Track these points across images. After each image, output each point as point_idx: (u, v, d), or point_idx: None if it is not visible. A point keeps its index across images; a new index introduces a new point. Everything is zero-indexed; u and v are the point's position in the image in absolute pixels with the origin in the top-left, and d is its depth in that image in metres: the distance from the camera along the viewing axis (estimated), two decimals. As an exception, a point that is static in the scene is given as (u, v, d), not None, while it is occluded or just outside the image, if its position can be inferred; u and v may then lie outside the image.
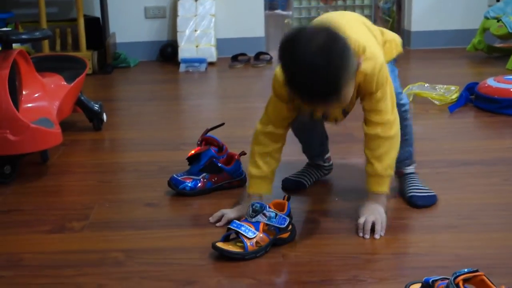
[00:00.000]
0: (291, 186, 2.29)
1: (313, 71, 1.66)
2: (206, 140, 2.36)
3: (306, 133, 2.31)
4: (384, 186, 1.98)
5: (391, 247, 1.87)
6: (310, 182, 2.33)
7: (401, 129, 2.00)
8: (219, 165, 2.28)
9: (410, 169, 2.23)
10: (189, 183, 2.25)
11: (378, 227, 1.91)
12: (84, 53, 4.42)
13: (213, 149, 2.31)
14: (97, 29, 4.61)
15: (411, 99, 3.45)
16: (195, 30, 4.76)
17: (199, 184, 2.25)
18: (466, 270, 1.53)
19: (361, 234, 1.91)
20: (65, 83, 2.86)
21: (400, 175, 2.22)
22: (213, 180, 2.27)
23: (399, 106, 2.02)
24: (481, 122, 3.15)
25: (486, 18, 4.68)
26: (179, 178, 2.26)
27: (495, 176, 2.36)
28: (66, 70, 2.96)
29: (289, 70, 1.74)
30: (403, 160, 2.16)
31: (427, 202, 2.12)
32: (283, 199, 1.93)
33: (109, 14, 4.69)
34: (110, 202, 2.22)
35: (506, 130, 3.05)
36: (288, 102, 1.98)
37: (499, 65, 4.40)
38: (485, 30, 4.71)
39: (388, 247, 1.87)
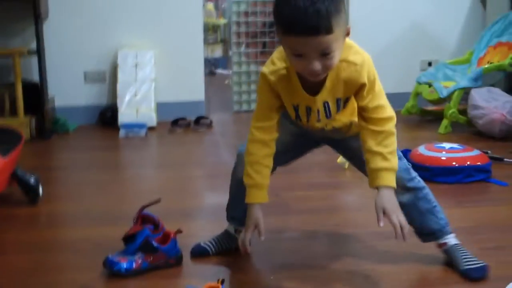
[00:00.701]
0: (195, 252, 2.37)
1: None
2: (142, 218, 2.36)
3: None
4: (394, 181, 1.96)
5: None
6: (214, 250, 2.38)
7: (426, 198, 2.12)
8: (155, 245, 2.28)
9: (454, 239, 2.24)
10: (124, 264, 2.23)
11: (402, 222, 1.92)
12: (22, 119, 4.39)
13: (148, 228, 2.31)
14: (36, 93, 4.58)
15: (346, 166, 3.53)
16: (135, 95, 4.79)
17: (135, 265, 2.24)
18: None
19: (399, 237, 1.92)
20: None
21: (445, 246, 2.22)
22: (148, 260, 2.27)
23: (414, 179, 2.11)
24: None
25: (419, 83, 4.85)
26: (114, 259, 2.25)
27: (429, 251, 2.41)
28: (0, 143, 2.93)
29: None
30: (442, 228, 2.20)
31: (483, 274, 2.14)
32: (217, 282, 1.94)
33: (48, 78, 4.68)
34: (44, 285, 2.19)
35: (439, 199, 3.11)
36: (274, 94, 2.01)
37: (432, 129, 4.56)
38: (417, 94, 4.88)
39: None
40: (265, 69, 2.01)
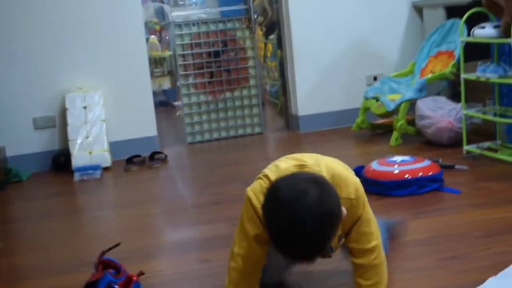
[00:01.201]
0: None
1: (305, 232, 1.64)
2: (103, 263, 2.36)
3: None
4: None
5: None
6: None
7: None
8: (118, 289, 2.28)
9: None
10: (89, 312, 2.23)
11: None
12: (-27, 173, 4.33)
13: (110, 273, 2.31)
14: (-15, 145, 4.53)
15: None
16: (87, 137, 4.76)
17: (100, 312, 2.24)
18: None
19: None
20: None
21: None
22: (113, 305, 2.27)
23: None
24: (370, 206, 3.29)
25: (366, 98, 4.94)
26: (79, 308, 2.24)
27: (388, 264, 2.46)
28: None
29: (276, 226, 1.68)
30: None
31: None
32: (184, 322, 1.95)
33: (-4, 128, 4.64)
34: None
35: (395, 212, 3.19)
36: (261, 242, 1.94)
37: (383, 143, 4.64)
38: (366, 109, 4.96)
39: None
40: (254, 198, 1.91)
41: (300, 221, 1.64)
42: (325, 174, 1.88)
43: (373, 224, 1.98)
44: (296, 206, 1.65)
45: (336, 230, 1.76)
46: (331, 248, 2.01)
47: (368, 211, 1.97)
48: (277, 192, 1.71)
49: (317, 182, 1.72)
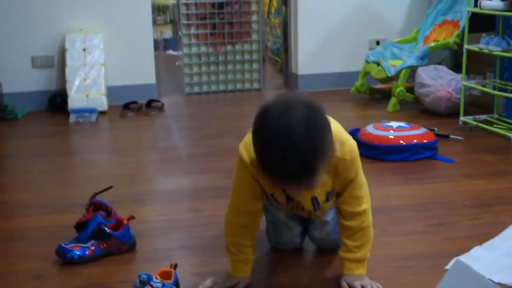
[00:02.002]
0: None
1: (291, 146, 1.61)
2: (94, 205, 2.37)
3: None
4: (363, 268, 2.04)
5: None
6: None
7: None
8: (108, 231, 2.29)
9: None
10: (77, 252, 2.25)
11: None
12: (-31, 107, 4.32)
13: (101, 215, 2.32)
14: (-18, 80, 4.51)
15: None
16: (85, 80, 4.74)
17: (88, 252, 2.25)
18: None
19: None
20: None
21: None
22: (102, 246, 2.28)
23: None
24: (363, 170, 3.30)
25: (367, 62, 4.92)
26: (67, 246, 2.26)
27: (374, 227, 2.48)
28: None
29: (264, 143, 1.67)
30: None
31: None
32: (170, 267, 1.97)
33: (-6, 64, 4.61)
34: (-4, 275, 2.19)
35: (387, 176, 3.22)
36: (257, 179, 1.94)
37: (381, 108, 4.64)
38: (366, 73, 4.95)
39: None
40: (245, 154, 1.91)
41: (286, 127, 1.62)
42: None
43: (364, 188, 2.00)
44: (284, 117, 1.63)
45: (325, 153, 1.68)
46: (317, 204, 2.03)
47: (361, 175, 1.98)
48: (266, 109, 1.68)
49: (307, 102, 1.69)
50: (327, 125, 1.71)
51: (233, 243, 2.03)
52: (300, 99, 1.70)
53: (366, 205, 2.00)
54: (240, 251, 2.02)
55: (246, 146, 1.90)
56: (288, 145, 1.62)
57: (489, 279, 1.52)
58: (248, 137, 1.86)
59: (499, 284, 1.65)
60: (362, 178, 1.99)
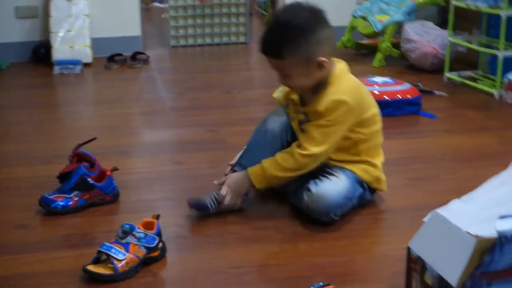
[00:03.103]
0: (194, 205, 2.22)
1: (270, 27, 2.12)
2: (77, 156, 2.37)
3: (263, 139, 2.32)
4: (256, 181, 2.17)
5: (254, 260, 1.97)
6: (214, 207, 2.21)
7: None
8: (91, 182, 2.30)
9: None
10: (60, 202, 2.26)
11: (226, 195, 2.18)
12: (-49, 57, 4.27)
13: (84, 166, 2.33)
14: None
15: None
16: (69, 31, 4.69)
17: (71, 203, 2.27)
18: (321, 283, 1.66)
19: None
20: None
21: None
22: (85, 197, 2.30)
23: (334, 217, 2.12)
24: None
25: (354, 17, 4.90)
26: (50, 197, 2.27)
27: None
28: None
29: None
30: None
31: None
32: (152, 217, 1.99)
33: (-23, 14, 4.54)
34: (-21, 226, 2.20)
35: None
36: None
37: (367, 63, 4.64)
38: (353, 28, 4.93)
39: (251, 260, 1.97)
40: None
41: (277, 16, 2.19)
42: (337, 69, 2.15)
43: (325, 138, 2.11)
44: (286, 10, 2.16)
45: (297, 46, 2.03)
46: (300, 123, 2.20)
47: (330, 124, 2.09)
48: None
49: (314, 9, 2.11)
50: (314, 30, 2.05)
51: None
52: (309, 6, 2.11)
53: (314, 149, 2.11)
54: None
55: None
56: (269, 25, 2.16)
57: (466, 231, 1.54)
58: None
59: (476, 236, 1.68)
60: (330, 127, 2.10)
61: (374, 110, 2.23)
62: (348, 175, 2.17)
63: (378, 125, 2.25)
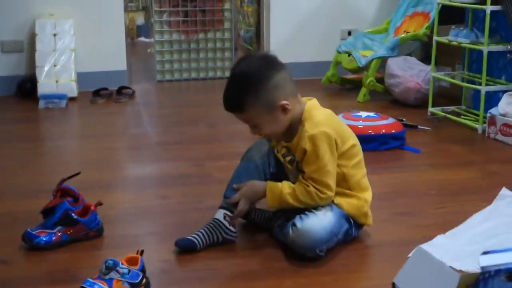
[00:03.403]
0: (181, 245, 2.21)
1: (229, 82, 2.14)
2: (61, 191, 2.36)
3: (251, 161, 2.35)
4: (272, 201, 2.19)
5: None
6: (202, 244, 2.21)
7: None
8: (75, 217, 2.29)
9: None
10: (43, 237, 2.24)
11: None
12: None
13: (68, 201, 2.32)
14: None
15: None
16: (55, 65, 4.70)
17: (54, 238, 2.25)
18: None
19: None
20: None
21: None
22: (68, 232, 2.28)
23: (320, 252, 2.13)
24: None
25: (338, 52, 4.95)
26: (34, 232, 2.25)
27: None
28: None
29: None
30: None
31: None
32: (136, 253, 1.98)
33: (-38, 49, 4.54)
34: (-39, 261, 2.17)
35: (354, 165, 3.24)
36: None
37: (351, 98, 4.67)
38: (337, 63, 4.98)
39: None
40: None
41: (233, 70, 2.19)
42: (308, 105, 2.17)
43: (328, 177, 2.13)
44: (239, 62, 2.17)
45: (257, 98, 2.06)
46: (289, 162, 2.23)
47: (325, 162, 2.11)
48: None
49: (266, 56, 2.19)
50: (269, 76, 2.07)
51: None
52: (260, 55, 2.23)
53: (330, 194, 2.14)
54: None
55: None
56: (227, 81, 2.16)
57: (450, 266, 1.55)
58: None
59: (459, 271, 1.69)
60: (327, 166, 2.11)
61: (353, 140, 2.25)
62: (335, 210, 2.17)
63: (360, 155, 2.27)
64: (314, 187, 2.13)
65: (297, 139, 2.15)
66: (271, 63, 2.12)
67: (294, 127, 2.16)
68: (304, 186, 2.15)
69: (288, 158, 2.23)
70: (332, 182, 2.14)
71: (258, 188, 2.23)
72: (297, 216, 2.14)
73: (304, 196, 2.14)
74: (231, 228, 2.25)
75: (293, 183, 2.20)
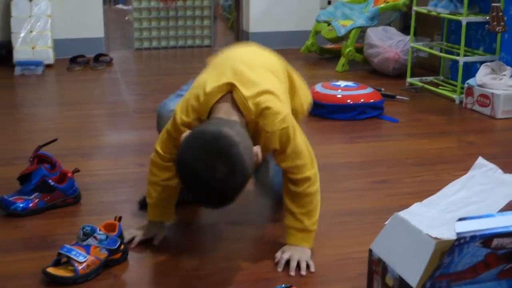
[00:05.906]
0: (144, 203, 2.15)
1: (202, 193, 1.70)
2: (38, 157, 2.34)
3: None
4: (311, 241, 1.97)
5: (217, 262, 1.97)
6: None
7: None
8: (52, 184, 2.28)
9: None
10: (20, 204, 2.23)
11: (303, 265, 1.90)
12: None
13: (45, 167, 2.30)
14: None
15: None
16: (31, 31, 4.63)
17: (31, 204, 2.24)
18: (283, 285, 1.67)
19: (279, 269, 1.90)
20: None
21: None
22: (45, 199, 2.27)
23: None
24: (311, 128, 3.32)
25: (318, 21, 4.93)
26: (10, 198, 2.23)
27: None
28: None
29: (188, 177, 1.70)
30: None
31: None
32: (115, 219, 1.97)
33: None
34: None
35: (333, 135, 3.26)
36: None
37: (330, 67, 4.67)
38: (317, 32, 4.96)
39: (214, 262, 1.97)
40: (179, 117, 1.92)
41: (205, 186, 1.68)
42: (252, 109, 1.82)
43: (305, 155, 1.92)
44: (202, 180, 1.66)
45: (242, 186, 1.72)
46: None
47: (296, 145, 1.89)
48: (185, 162, 1.70)
49: (227, 155, 1.67)
50: (246, 172, 1.70)
51: (150, 181, 2.04)
52: (217, 153, 1.66)
53: (310, 171, 1.93)
54: (155, 190, 2.02)
55: (181, 110, 1.92)
56: (199, 192, 1.71)
57: (426, 233, 1.56)
58: (184, 105, 1.92)
59: (436, 238, 1.70)
60: (299, 147, 1.90)
61: (281, 68, 2.10)
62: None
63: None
64: (302, 186, 1.93)
65: (263, 145, 1.85)
66: (231, 154, 1.68)
67: (256, 133, 1.87)
68: (292, 199, 1.95)
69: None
70: (309, 160, 1.93)
71: (299, 250, 1.96)
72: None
73: (307, 201, 1.95)
74: None
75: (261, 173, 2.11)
